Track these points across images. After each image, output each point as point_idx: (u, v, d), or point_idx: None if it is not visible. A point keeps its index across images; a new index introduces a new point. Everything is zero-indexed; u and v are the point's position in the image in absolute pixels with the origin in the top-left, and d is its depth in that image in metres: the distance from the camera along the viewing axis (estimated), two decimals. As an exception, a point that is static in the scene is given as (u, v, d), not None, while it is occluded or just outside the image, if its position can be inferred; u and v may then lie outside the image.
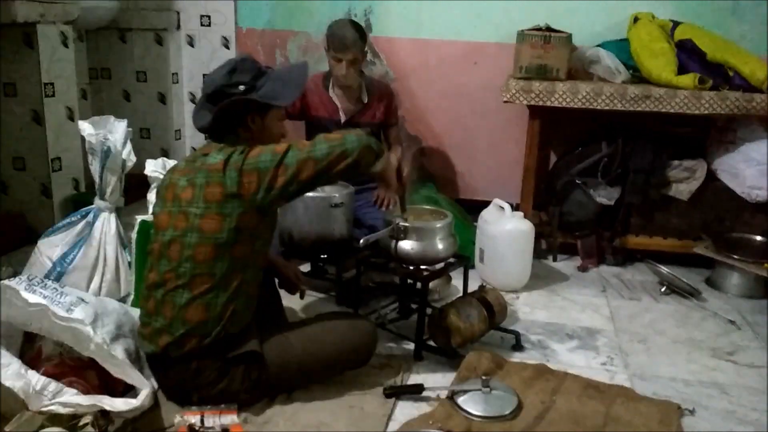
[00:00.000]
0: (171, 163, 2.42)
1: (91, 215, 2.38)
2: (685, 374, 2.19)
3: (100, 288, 2.32)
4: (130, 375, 1.67)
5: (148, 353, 1.84)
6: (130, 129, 2.40)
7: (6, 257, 2.81)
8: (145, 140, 3.97)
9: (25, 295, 1.59)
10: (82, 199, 2.98)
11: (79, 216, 2.39)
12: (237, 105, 1.83)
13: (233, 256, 1.77)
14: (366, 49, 2.93)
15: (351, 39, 2.78)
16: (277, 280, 2.21)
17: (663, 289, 2.86)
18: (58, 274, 2.27)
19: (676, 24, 3.06)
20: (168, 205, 1.82)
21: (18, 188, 3.10)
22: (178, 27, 3.85)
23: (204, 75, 3.89)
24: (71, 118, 3.11)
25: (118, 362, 1.65)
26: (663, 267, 2.90)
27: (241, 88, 1.84)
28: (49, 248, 2.32)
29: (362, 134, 1.82)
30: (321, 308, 2.57)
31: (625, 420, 1.87)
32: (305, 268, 2.76)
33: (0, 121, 3.01)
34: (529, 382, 2.06)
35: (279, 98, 1.88)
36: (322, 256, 2.68)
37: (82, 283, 2.29)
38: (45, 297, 1.71)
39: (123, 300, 2.34)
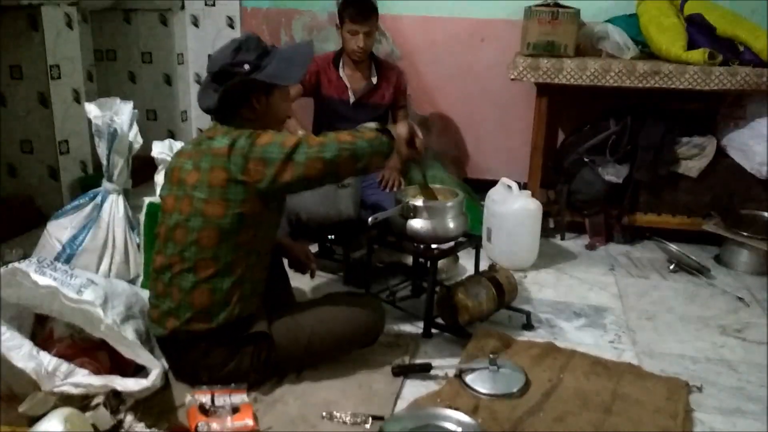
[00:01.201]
0: (177, 144, 2.43)
1: (99, 197, 2.39)
2: (693, 351, 2.19)
3: (109, 270, 2.34)
4: (141, 355, 1.68)
5: (157, 336, 1.86)
6: (136, 111, 2.40)
7: (15, 240, 2.84)
8: (152, 122, 3.96)
9: (35, 277, 1.61)
10: (89, 181, 2.98)
11: (87, 198, 2.40)
12: (242, 85, 1.82)
13: (237, 242, 1.77)
14: (378, 24, 2.91)
15: (367, 9, 2.76)
16: (286, 261, 2.21)
17: (671, 267, 2.85)
18: (68, 256, 2.28)
19: (685, -2, 3.02)
20: (174, 189, 1.82)
21: (26, 171, 3.11)
22: (183, 7, 3.83)
23: (209, 55, 3.88)
24: (77, 101, 3.11)
25: (128, 343, 1.66)
26: (671, 244, 2.89)
27: (246, 67, 1.81)
28: (59, 230, 2.33)
29: (374, 138, 1.79)
30: (329, 289, 2.58)
31: (633, 397, 1.88)
32: (313, 248, 2.77)
33: (6, 104, 3.02)
34: (536, 360, 2.06)
35: (284, 78, 1.86)
36: (329, 237, 2.69)
37: (92, 265, 2.30)
38: (55, 279, 1.72)
39: (132, 281, 2.35)
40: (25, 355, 1.56)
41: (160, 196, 1.93)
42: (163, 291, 1.81)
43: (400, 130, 1.92)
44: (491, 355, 1.95)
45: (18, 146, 3.08)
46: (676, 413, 1.81)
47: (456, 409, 1.77)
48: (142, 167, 2.80)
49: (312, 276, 2.23)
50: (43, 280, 1.61)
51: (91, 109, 2.32)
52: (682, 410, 1.83)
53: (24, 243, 2.73)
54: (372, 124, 1.88)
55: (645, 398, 1.88)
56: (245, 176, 1.71)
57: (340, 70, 2.90)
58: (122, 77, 3.96)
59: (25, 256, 2.41)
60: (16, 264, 1.64)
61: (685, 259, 2.83)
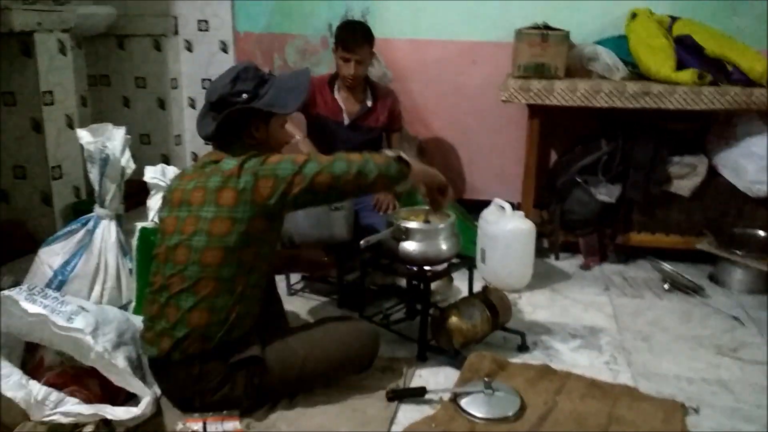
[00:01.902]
0: (170, 169, 2.44)
1: (91, 223, 2.38)
2: (689, 372, 2.18)
3: (101, 296, 2.32)
4: (131, 383, 1.67)
5: (150, 357, 1.84)
6: (129, 136, 2.40)
7: (7, 266, 2.82)
8: (146, 146, 3.97)
9: (25, 305, 1.59)
10: (82, 206, 2.97)
11: (79, 224, 2.39)
12: (240, 113, 1.84)
13: (240, 260, 1.78)
14: (372, 50, 2.93)
15: (360, 38, 2.79)
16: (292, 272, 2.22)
17: (666, 286, 2.85)
18: (59, 282, 2.27)
19: (674, 19, 3.05)
20: (175, 210, 1.84)
21: (19, 197, 3.10)
22: (176, 32, 3.86)
23: (203, 80, 3.93)
24: (71, 126, 3.11)
25: (118, 371, 1.65)
26: (665, 264, 2.89)
27: (245, 96, 1.86)
28: (50, 257, 2.32)
29: (383, 162, 1.83)
30: (323, 312, 2.57)
31: (629, 420, 1.86)
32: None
33: (0, 131, 3.02)
34: (532, 382, 2.05)
35: (281, 106, 1.90)
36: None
37: (84, 291, 2.29)
38: (45, 306, 1.71)
39: (124, 307, 2.34)
40: (14, 384, 1.54)
41: (160, 218, 1.95)
42: (158, 312, 1.81)
43: (434, 176, 1.99)
44: (486, 379, 1.94)
45: (11, 172, 3.07)
46: (673, 435, 1.80)
47: (451, 433, 1.75)
48: (136, 192, 2.80)
49: (331, 270, 2.17)
50: (32, 308, 1.60)
51: (83, 135, 2.32)
52: (678, 432, 1.81)
53: (16, 269, 2.72)
54: (391, 153, 1.90)
55: (641, 420, 1.86)
56: (255, 194, 1.74)
57: (336, 92, 2.91)
58: (116, 102, 3.97)
59: (17, 283, 2.39)
60: (5, 292, 1.63)
61: (679, 279, 2.83)
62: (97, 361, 1.63)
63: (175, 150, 4.01)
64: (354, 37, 2.77)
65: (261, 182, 1.75)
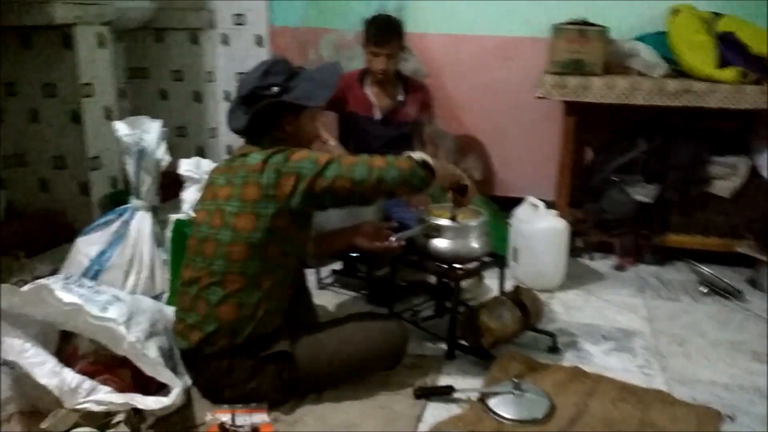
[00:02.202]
0: (205, 162, 2.46)
1: (127, 214, 2.42)
2: (726, 378, 2.13)
3: (135, 286, 2.36)
4: (162, 374, 1.69)
5: (181, 349, 1.87)
6: (165, 129, 2.43)
7: (46, 254, 2.88)
8: (182, 138, 4.02)
9: (60, 294, 1.62)
10: (119, 197, 3.01)
11: (115, 215, 2.43)
12: (270, 107, 1.85)
13: (266, 256, 1.79)
14: (403, 43, 2.92)
15: (389, 32, 2.77)
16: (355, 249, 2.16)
17: (703, 290, 2.78)
18: (95, 271, 2.31)
19: (717, 16, 2.96)
20: (206, 203, 1.87)
21: (58, 187, 3.17)
22: (213, 26, 3.89)
23: (238, 73, 3.96)
24: (109, 118, 3.16)
25: (149, 361, 1.67)
26: (703, 266, 2.82)
27: (275, 89, 1.86)
28: (87, 246, 2.37)
29: (407, 168, 1.79)
30: (353, 307, 2.57)
31: (662, 426, 1.83)
32: (337, 266, 2.77)
33: (40, 121, 3.08)
34: (562, 384, 2.02)
35: (311, 99, 1.90)
36: (352, 254, 2.68)
37: (119, 281, 2.33)
38: (81, 296, 1.74)
39: (157, 297, 2.38)
40: (48, 371, 1.58)
41: (194, 210, 1.97)
42: (189, 305, 1.83)
43: (455, 175, 1.95)
44: (515, 380, 1.92)
45: (51, 162, 3.14)
46: (707, 443, 1.76)
47: (478, 434, 1.73)
48: (171, 183, 2.84)
49: (395, 248, 2.10)
50: (67, 297, 1.62)
51: (120, 127, 2.35)
52: (713, 440, 1.77)
53: (54, 258, 2.77)
54: (417, 156, 1.85)
55: (674, 427, 1.82)
56: (277, 191, 1.74)
57: (366, 88, 2.90)
58: (154, 95, 4.03)
59: (55, 271, 2.45)
60: (41, 281, 1.66)
61: (717, 282, 2.76)
62: (130, 351, 1.66)
63: (210, 142, 4.05)
64: (383, 31, 2.75)
65: (283, 179, 1.74)
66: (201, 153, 4.01)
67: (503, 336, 2.12)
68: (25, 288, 1.65)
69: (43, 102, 3.06)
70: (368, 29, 2.80)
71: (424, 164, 1.82)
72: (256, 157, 1.80)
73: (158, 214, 2.53)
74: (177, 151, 3.99)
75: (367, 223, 2.19)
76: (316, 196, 1.75)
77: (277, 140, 1.88)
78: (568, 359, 2.23)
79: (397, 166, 1.79)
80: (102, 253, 2.34)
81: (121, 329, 1.64)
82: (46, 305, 1.63)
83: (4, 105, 3.10)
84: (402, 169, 1.79)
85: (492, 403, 1.88)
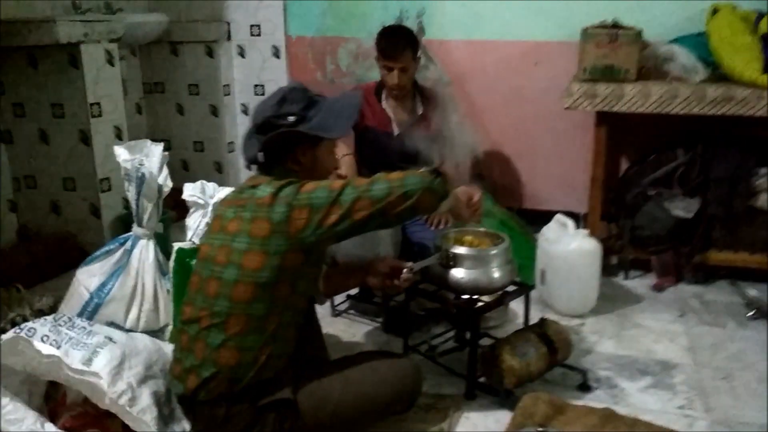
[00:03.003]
0: (210, 186, 2.34)
1: (129, 243, 2.31)
2: (778, 422, 1.92)
3: (138, 319, 2.24)
4: (146, 431, 1.56)
5: (177, 394, 1.75)
6: (167, 153, 2.31)
7: (55, 281, 2.81)
8: (199, 153, 3.92)
9: (38, 345, 1.51)
10: (130, 219, 2.93)
11: (117, 244, 2.32)
12: (286, 137, 1.72)
13: (273, 297, 1.65)
14: (419, 55, 2.76)
15: (401, 46, 2.62)
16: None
17: (750, 314, 2.56)
18: (95, 305, 2.20)
19: (761, 15, 2.72)
20: (212, 237, 1.73)
21: (69, 209, 3.10)
22: (229, 38, 3.79)
23: (255, 86, 3.85)
24: (120, 137, 3.08)
25: (133, 418, 1.55)
26: (749, 288, 2.60)
27: (291, 119, 1.73)
28: (87, 278, 2.26)
29: (425, 175, 1.68)
30: (368, 336, 2.44)
31: (706, 482, 1.63)
32: (352, 291, 2.62)
33: (49, 142, 3.01)
34: (593, 430, 1.83)
35: (330, 130, 1.76)
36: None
37: (120, 315, 2.22)
38: (69, 339, 1.64)
39: (161, 330, 2.27)
40: (27, 429, 1.46)
41: (200, 242, 1.84)
42: (187, 345, 1.70)
43: (461, 192, 1.84)
44: (539, 428, 1.74)
45: (61, 184, 3.07)
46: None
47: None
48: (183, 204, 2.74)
49: (409, 281, 1.96)
50: (46, 349, 1.51)
51: (121, 153, 2.24)
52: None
53: (62, 285, 2.69)
54: (425, 168, 1.74)
55: (720, 483, 1.63)
56: (289, 226, 1.61)
57: (383, 101, 2.74)
58: (170, 109, 3.93)
59: (56, 304, 2.36)
60: (17, 331, 1.55)
61: (765, 305, 2.54)
62: (111, 406, 1.54)
63: (229, 157, 3.94)
64: (395, 44, 2.59)
65: (295, 213, 1.61)
66: (219, 168, 3.92)
67: (527, 376, 1.95)
68: (3, 339, 1.54)
69: (52, 123, 2.99)
70: (379, 43, 2.66)
71: (437, 172, 1.72)
72: (265, 189, 1.66)
73: (170, 235, 2.40)
74: (194, 167, 3.92)
75: (382, 260, 2.02)
76: (332, 226, 1.61)
77: (291, 172, 1.75)
78: (601, 398, 2.04)
79: (414, 174, 1.68)
80: (102, 286, 2.22)
81: (102, 383, 1.51)
82: (25, 357, 1.52)
83: (13, 126, 3.04)
84: (421, 176, 1.68)
85: (514, 454, 1.71)
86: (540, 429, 1.74)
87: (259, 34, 3.75)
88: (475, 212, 1.90)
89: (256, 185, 1.70)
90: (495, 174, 3.47)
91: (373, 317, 2.56)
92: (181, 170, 3.85)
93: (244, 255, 1.63)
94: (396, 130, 2.77)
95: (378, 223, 1.68)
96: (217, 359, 1.65)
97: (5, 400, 1.48)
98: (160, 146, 2.30)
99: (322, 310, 2.40)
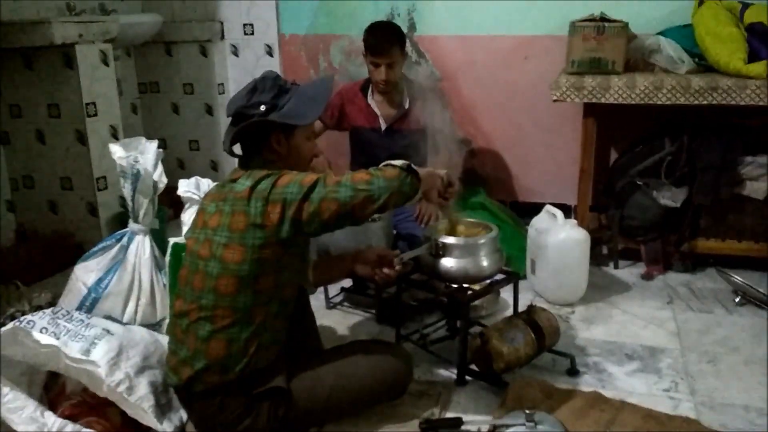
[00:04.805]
0: (204, 182, 2.37)
1: (125, 239, 2.35)
2: (760, 402, 1.96)
3: (135, 313, 2.28)
4: (144, 417, 1.61)
5: (172, 385, 1.79)
6: (161, 150, 2.35)
7: (54, 278, 2.85)
8: (194, 152, 3.95)
9: (37, 336, 1.55)
10: (127, 217, 2.96)
11: (114, 240, 2.36)
12: (258, 126, 1.74)
13: (256, 289, 1.68)
14: (406, 50, 2.80)
15: (388, 41, 2.66)
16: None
17: (737, 300, 2.60)
18: (93, 300, 2.24)
19: (745, 6, 2.77)
20: (196, 232, 1.76)
21: (67, 208, 3.13)
22: (222, 37, 3.82)
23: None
24: (115, 136, 3.11)
25: (131, 405, 1.59)
26: (736, 274, 2.64)
27: (262, 108, 1.73)
28: (85, 273, 2.30)
29: (395, 177, 1.66)
30: (361, 326, 2.48)
31: (689, 460, 1.68)
32: (345, 283, 2.66)
33: (46, 142, 3.05)
34: (581, 413, 1.88)
35: (301, 117, 1.76)
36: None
37: (117, 309, 2.25)
38: (68, 332, 1.68)
39: (159, 324, 2.31)
40: (27, 418, 1.51)
41: (185, 237, 1.88)
42: (181, 337, 1.75)
43: (434, 177, 1.80)
44: (527, 411, 1.78)
45: (58, 183, 3.10)
46: (739, 480, 1.61)
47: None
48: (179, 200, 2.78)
49: (401, 269, 1.99)
50: (45, 339, 1.55)
51: (116, 150, 2.28)
52: (745, 477, 1.62)
53: (60, 282, 2.73)
54: (399, 162, 1.73)
55: (702, 461, 1.68)
56: (265, 220, 1.63)
57: (369, 98, 2.79)
58: (166, 109, 3.96)
59: (54, 299, 2.40)
60: (17, 323, 1.59)
61: (752, 291, 2.58)
62: (110, 394, 1.58)
63: (224, 155, 3.97)
64: (382, 40, 2.64)
65: (270, 207, 1.62)
66: (214, 167, 3.95)
67: (516, 361, 1.99)
68: (2, 330, 1.58)
69: (48, 123, 3.02)
70: (366, 39, 2.70)
71: (408, 168, 1.70)
72: (243, 183, 1.69)
73: (167, 232, 2.44)
74: (190, 166, 3.94)
75: (370, 249, 2.05)
76: (305, 223, 1.63)
77: (269, 162, 1.77)
78: (588, 382, 2.09)
79: (383, 176, 1.66)
80: (99, 281, 2.26)
81: (100, 371, 1.56)
82: (25, 347, 1.56)
83: (10, 127, 3.08)
84: (389, 179, 1.65)
85: (503, 436, 1.75)
86: (528, 412, 1.78)
87: (252, 33, 3.78)
88: (447, 194, 1.85)
89: (236, 179, 1.72)
90: (488, 168, 3.51)
91: (367, 309, 2.60)
92: (177, 169, 3.89)
93: (224, 249, 1.65)
94: (383, 126, 2.81)
95: (349, 222, 1.68)
96: (207, 351, 1.68)
97: (5, 389, 1.53)
98: (154, 143, 2.34)
99: (317, 303, 2.44)
